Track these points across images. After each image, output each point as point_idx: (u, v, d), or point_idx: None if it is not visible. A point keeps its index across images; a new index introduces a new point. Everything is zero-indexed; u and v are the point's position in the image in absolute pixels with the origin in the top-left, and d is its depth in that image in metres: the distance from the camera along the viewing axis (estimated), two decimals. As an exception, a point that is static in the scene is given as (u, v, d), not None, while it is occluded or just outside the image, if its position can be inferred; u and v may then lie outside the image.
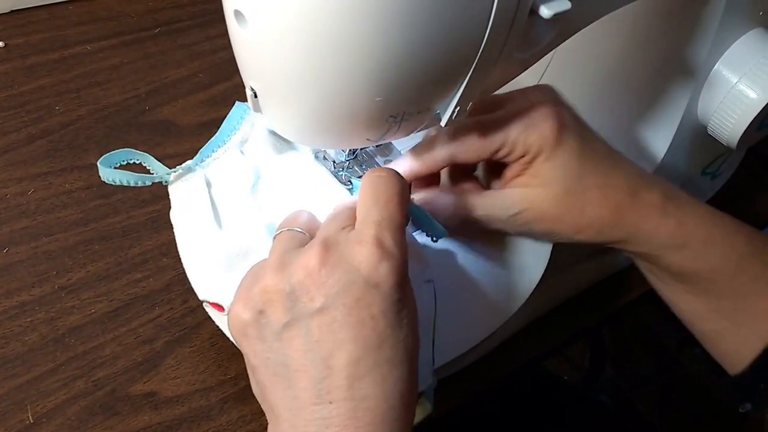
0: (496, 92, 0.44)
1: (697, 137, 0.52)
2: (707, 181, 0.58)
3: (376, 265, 0.34)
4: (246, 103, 0.48)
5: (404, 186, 0.38)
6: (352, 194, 0.47)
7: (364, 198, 0.37)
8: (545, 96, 0.43)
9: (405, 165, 0.44)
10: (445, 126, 0.40)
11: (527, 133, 0.41)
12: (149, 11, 0.75)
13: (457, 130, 0.42)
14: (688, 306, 0.48)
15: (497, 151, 0.42)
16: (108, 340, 0.50)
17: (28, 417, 0.46)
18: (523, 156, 0.42)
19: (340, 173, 0.49)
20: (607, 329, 1.04)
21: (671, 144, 0.51)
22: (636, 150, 0.53)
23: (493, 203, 0.43)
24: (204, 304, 0.47)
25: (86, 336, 0.50)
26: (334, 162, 0.49)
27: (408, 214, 0.38)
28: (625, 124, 0.53)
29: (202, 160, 0.48)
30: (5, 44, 0.69)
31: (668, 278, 0.47)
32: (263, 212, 0.46)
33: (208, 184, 0.47)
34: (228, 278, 0.43)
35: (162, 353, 0.50)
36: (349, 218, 0.37)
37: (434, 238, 0.43)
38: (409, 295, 0.36)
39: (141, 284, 0.53)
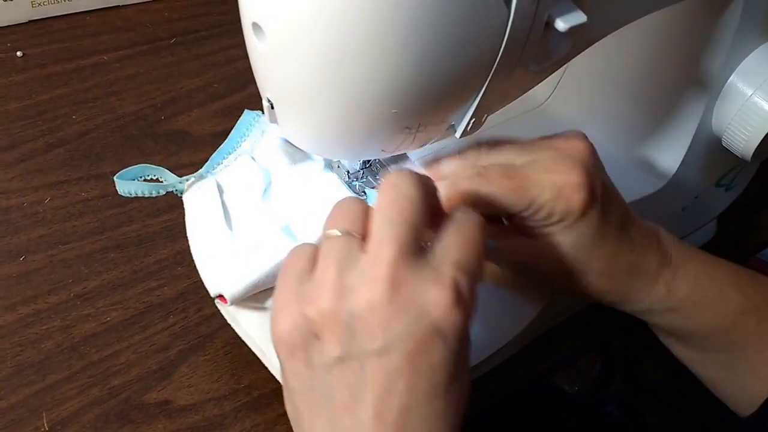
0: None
1: (712, 149, 0.52)
2: (721, 193, 0.58)
3: (448, 311, 0.32)
4: (255, 111, 0.49)
5: (486, 239, 0.35)
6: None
7: (449, 236, 0.34)
8: (583, 158, 0.40)
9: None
10: (460, 137, 0.40)
11: (556, 202, 0.39)
12: (165, 22, 0.76)
13: (486, 178, 0.39)
14: (685, 357, 0.48)
15: (522, 212, 0.40)
16: (123, 349, 0.50)
17: (44, 424, 0.46)
18: (543, 219, 0.40)
19: (354, 183, 0.49)
20: (618, 341, 1.04)
21: (685, 156, 0.51)
22: (650, 162, 0.53)
23: (503, 245, 0.42)
24: (216, 301, 0.47)
25: (101, 344, 0.50)
26: (348, 172, 0.49)
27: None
28: (639, 135, 0.53)
29: (213, 167, 0.48)
30: (23, 54, 0.70)
31: (662, 334, 0.48)
32: (276, 216, 0.46)
33: (220, 190, 0.47)
34: (238, 271, 0.44)
35: (176, 362, 0.50)
36: (414, 224, 0.33)
37: None
38: (466, 350, 0.34)
39: (156, 293, 0.53)
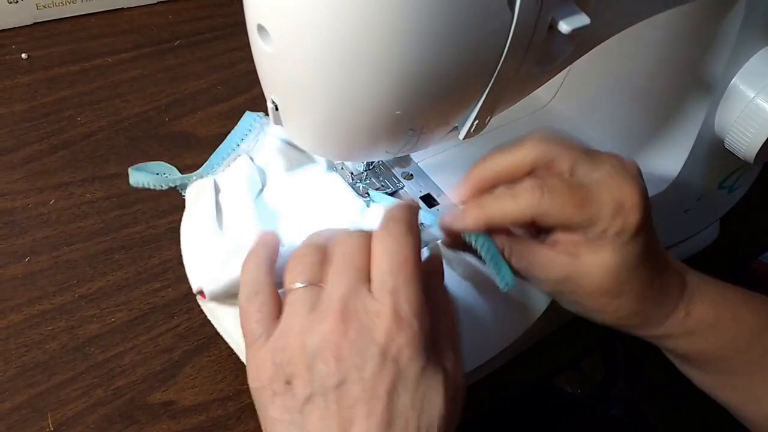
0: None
1: (715, 151, 0.52)
2: (724, 195, 0.58)
3: (393, 338, 0.34)
4: (256, 113, 0.49)
5: (416, 241, 0.37)
6: (368, 206, 0.47)
7: (378, 262, 0.36)
8: (638, 176, 0.41)
9: (480, 215, 0.41)
10: (464, 139, 0.40)
11: (615, 219, 0.39)
12: (169, 24, 0.76)
13: (545, 189, 0.40)
14: (700, 381, 0.48)
15: (579, 224, 0.40)
16: (127, 349, 0.50)
17: (48, 425, 0.46)
18: (595, 234, 0.40)
19: (358, 185, 0.49)
20: (621, 343, 1.04)
21: (688, 158, 0.51)
22: (653, 164, 0.53)
23: (539, 261, 0.41)
24: (198, 298, 0.47)
25: (106, 345, 0.50)
26: (351, 173, 0.49)
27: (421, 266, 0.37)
28: (642, 137, 0.53)
29: (212, 168, 0.48)
30: (28, 56, 0.70)
31: (677, 358, 0.47)
32: (266, 218, 0.46)
33: (217, 189, 0.47)
34: (220, 268, 0.44)
35: (180, 362, 0.50)
36: (361, 268, 0.36)
37: (502, 284, 0.41)
38: (431, 365, 0.35)
39: (160, 294, 0.54)
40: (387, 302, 0.35)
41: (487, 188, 0.42)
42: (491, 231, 0.41)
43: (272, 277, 0.38)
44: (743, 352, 0.44)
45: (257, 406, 0.37)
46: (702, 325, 0.44)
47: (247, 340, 0.37)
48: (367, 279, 0.36)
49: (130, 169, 0.46)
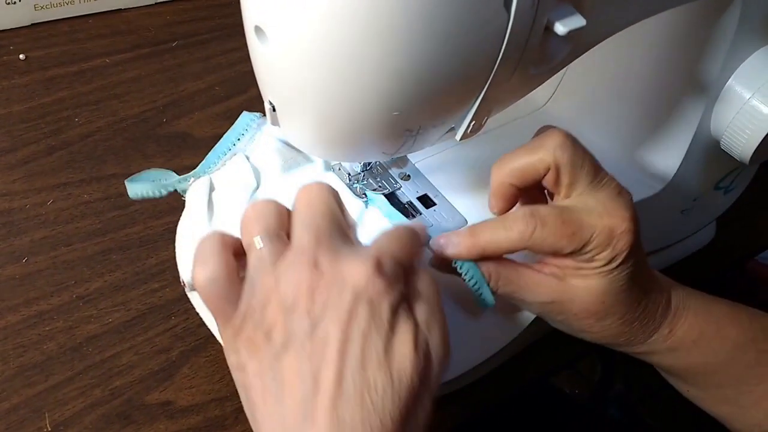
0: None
1: (710, 152, 0.52)
2: (720, 196, 0.58)
3: (369, 279, 0.34)
4: (253, 113, 0.49)
5: (418, 242, 0.37)
6: (366, 207, 0.47)
7: (379, 238, 0.36)
8: (630, 201, 0.42)
9: (474, 243, 0.42)
10: (460, 140, 0.40)
11: (606, 246, 0.40)
12: (167, 25, 0.76)
13: (537, 221, 0.40)
14: (691, 395, 0.49)
15: (567, 253, 0.41)
16: (125, 350, 0.51)
17: (46, 425, 0.47)
18: (583, 259, 0.41)
19: (355, 185, 0.49)
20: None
21: (684, 158, 0.51)
22: (650, 164, 0.53)
23: (526, 285, 0.42)
24: (186, 290, 0.47)
25: (103, 345, 0.51)
26: (348, 174, 0.50)
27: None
28: (638, 138, 0.54)
29: (208, 167, 0.49)
30: (26, 57, 0.70)
31: (665, 372, 0.48)
32: None
33: (212, 188, 0.48)
34: None
35: (178, 363, 0.50)
36: (334, 215, 0.36)
37: (482, 305, 0.42)
38: (404, 315, 0.35)
39: (158, 294, 0.54)
40: (368, 253, 0.34)
41: (511, 195, 0.43)
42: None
43: (229, 254, 0.37)
44: (727, 365, 0.45)
45: (233, 371, 0.36)
46: (685, 342, 0.45)
47: (216, 315, 0.36)
48: (339, 231, 0.36)
49: (126, 182, 0.47)
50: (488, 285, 0.42)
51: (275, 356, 0.34)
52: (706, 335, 0.45)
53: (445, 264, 0.42)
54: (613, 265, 0.41)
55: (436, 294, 0.37)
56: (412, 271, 0.37)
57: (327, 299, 0.33)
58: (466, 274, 0.42)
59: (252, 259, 0.36)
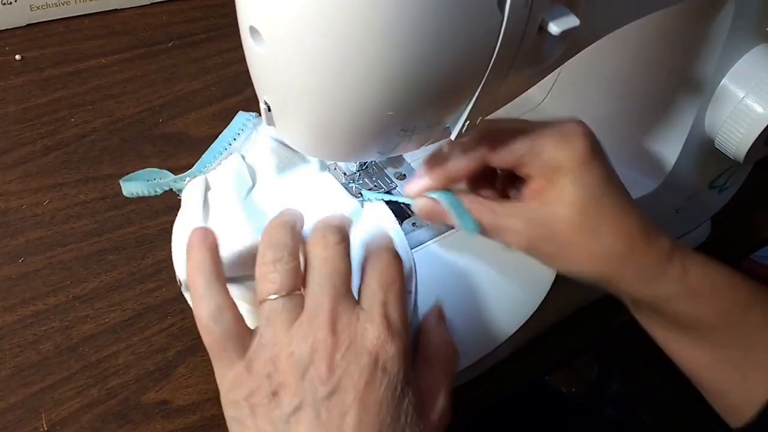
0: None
1: (705, 151, 0.52)
2: (714, 195, 0.59)
3: (385, 345, 0.35)
4: (249, 113, 0.49)
5: (402, 271, 0.39)
6: (362, 206, 0.47)
7: (369, 277, 0.38)
8: (578, 123, 0.42)
9: (440, 172, 0.43)
10: (455, 140, 0.40)
11: (558, 146, 0.41)
12: (163, 25, 0.76)
13: (485, 133, 0.42)
14: (695, 359, 0.47)
15: (524, 156, 0.41)
16: (121, 349, 0.51)
17: (42, 425, 0.47)
18: (548, 169, 0.41)
19: (351, 185, 0.49)
20: (615, 342, 1.04)
21: (679, 157, 0.51)
22: (644, 163, 0.53)
23: (506, 212, 0.42)
24: (182, 289, 0.47)
25: (100, 345, 0.51)
26: (344, 173, 0.50)
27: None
28: (633, 137, 0.54)
29: (204, 167, 0.49)
30: (22, 57, 0.70)
31: (675, 329, 0.46)
32: (253, 216, 0.46)
33: (207, 187, 0.48)
34: None
35: (174, 362, 0.50)
36: (345, 274, 0.37)
37: (466, 229, 0.43)
38: (411, 382, 0.36)
39: (154, 294, 0.54)
40: (378, 311, 0.36)
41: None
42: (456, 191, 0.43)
43: (225, 285, 0.38)
44: (738, 323, 0.44)
45: (229, 421, 0.37)
46: (700, 287, 0.43)
47: (217, 357, 0.37)
48: (350, 289, 0.37)
49: (121, 181, 0.47)
50: (469, 215, 0.42)
51: (283, 419, 0.35)
52: (720, 285, 0.43)
53: (428, 210, 0.43)
54: (581, 165, 0.40)
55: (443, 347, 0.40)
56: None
57: (345, 366, 0.35)
58: (444, 200, 0.42)
59: (265, 312, 0.37)
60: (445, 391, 0.39)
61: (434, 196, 0.43)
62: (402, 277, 0.39)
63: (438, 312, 0.42)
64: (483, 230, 0.43)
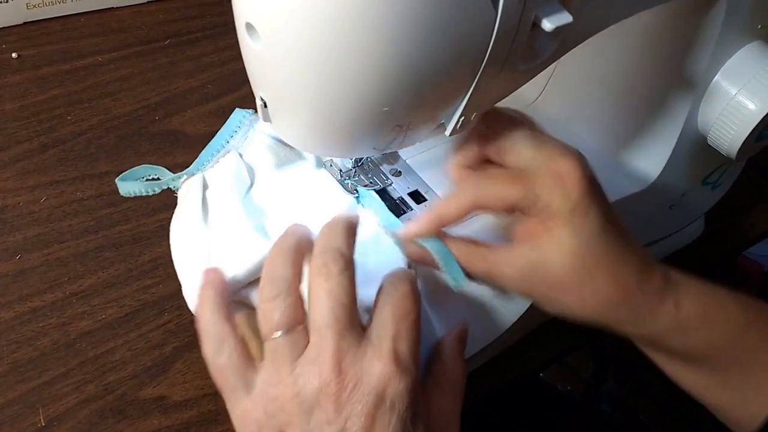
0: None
1: (698, 147, 0.53)
2: (707, 191, 0.59)
3: (393, 382, 0.35)
4: (245, 110, 0.49)
5: (418, 303, 0.38)
6: (358, 203, 0.48)
7: (381, 310, 0.37)
8: (573, 162, 0.40)
9: (431, 217, 0.42)
10: (450, 135, 0.41)
11: (553, 193, 0.39)
12: (159, 23, 0.77)
13: (482, 177, 0.41)
14: (693, 383, 0.47)
15: (517, 203, 0.40)
16: (118, 345, 0.51)
17: (40, 420, 0.47)
18: (543, 214, 0.40)
19: (346, 182, 0.49)
20: (610, 339, 1.04)
21: (672, 154, 0.52)
22: (636, 160, 0.54)
23: (499, 259, 0.41)
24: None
25: (97, 341, 0.51)
26: (340, 170, 0.50)
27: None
28: (626, 134, 0.54)
29: (202, 165, 0.49)
30: (18, 55, 0.70)
31: (673, 358, 0.46)
32: (252, 214, 0.46)
33: (205, 186, 0.48)
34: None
35: (171, 358, 0.51)
36: (350, 308, 0.36)
37: (453, 283, 0.42)
38: (420, 414, 0.36)
39: (151, 290, 0.54)
40: (386, 346, 0.35)
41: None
42: (448, 238, 0.42)
43: (231, 322, 0.38)
44: (733, 347, 0.44)
45: None
46: (693, 320, 0.42)
47: (225, 391, 0.37)
48: (356, 319, 0.37)
49: (117, 181, 0.47)
50: (458, 264, 0.42)
51: None
52: (713, 314, 0.42)
53: (417, 255, 0.43)
54: (576, 213, 0.39)
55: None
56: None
57: (352, 407, 0.34)
58: (431, 249, 0.41)
59: (269, 350, 0.37)
60: (457, 417, 0.38)
61: (424, 243, 0.42)
62: (417, 311, 0.38)
63: (458, 335, 0.41)
64: (477, 277, 0.42)
